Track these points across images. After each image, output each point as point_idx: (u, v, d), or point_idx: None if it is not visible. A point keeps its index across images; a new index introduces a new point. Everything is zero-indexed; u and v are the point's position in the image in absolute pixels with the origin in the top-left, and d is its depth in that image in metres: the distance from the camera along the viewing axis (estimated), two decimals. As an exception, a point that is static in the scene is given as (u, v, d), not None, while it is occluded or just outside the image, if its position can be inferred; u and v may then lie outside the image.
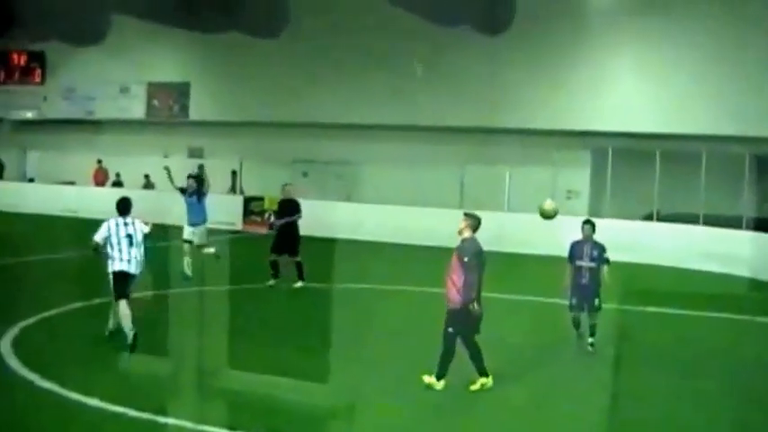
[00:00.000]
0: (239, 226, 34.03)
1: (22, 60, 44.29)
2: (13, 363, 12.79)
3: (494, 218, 29.75)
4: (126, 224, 14.17)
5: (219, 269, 21.26)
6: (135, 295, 14.19)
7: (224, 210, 34.42)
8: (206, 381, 12.35)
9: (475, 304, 12.17)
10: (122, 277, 14.02)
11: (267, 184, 34.28)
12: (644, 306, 19.49)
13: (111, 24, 36.36)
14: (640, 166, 29.83)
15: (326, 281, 20.99)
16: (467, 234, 12.59)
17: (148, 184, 38.21)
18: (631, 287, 21.01)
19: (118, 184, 39.28)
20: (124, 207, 14.43)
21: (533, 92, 31.43)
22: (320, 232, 31.08)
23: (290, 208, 21.02)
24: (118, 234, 14.04)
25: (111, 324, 14.31)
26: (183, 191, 21.61)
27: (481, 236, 12.57)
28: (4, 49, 43.59)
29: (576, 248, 15.01)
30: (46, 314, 16.16)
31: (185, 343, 14.17)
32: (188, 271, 20.85)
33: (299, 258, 20.57)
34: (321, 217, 32.14)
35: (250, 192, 35.24)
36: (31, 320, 15.58)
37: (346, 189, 34.76)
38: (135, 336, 13.55)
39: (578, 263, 14.84)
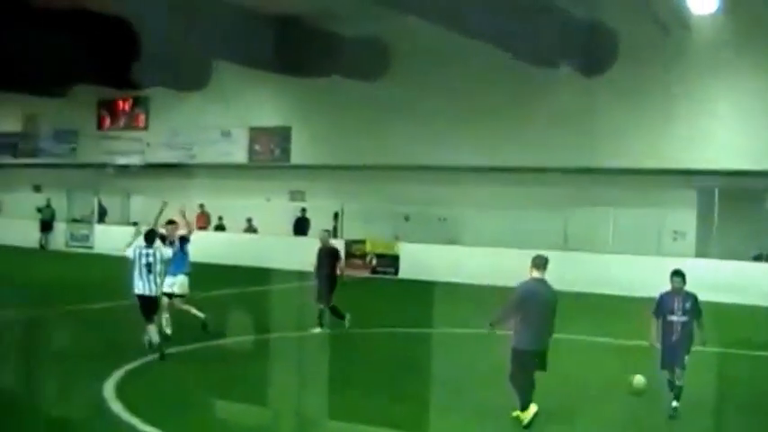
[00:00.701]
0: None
1: (127, 106, 45.22)
2: (116, 406, 12.80)
3: (597, 260, 29.53)
4: (147, 254, 16.57)
5: (294, 313, 21.05)
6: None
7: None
8: (304, 429, 12.18)
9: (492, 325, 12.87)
10: (144, 300, 16.48)
11: (369, 228, 34.29)
12: (752, 350, 18.88)
13: (212, 70, 36.82)
14: (748, 205, 29.21)
15: (427, 325, 20.73)
16: (535, 274, 12.74)
17: (251, 228, 38.45)
18: (739, 330, 20.44)
19: (220, 227, 39.58)
20: (150, 238, 16.93)
21: (636, 131, 30.99)
22: (422, 275, 31.07)
23: (328, 255, 20.66)
24: (140, 261, 16.50)
25: (148, 337, 16.56)
26: (162, 238, 18.61)
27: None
28: (109, 95, 44.51)
29: (665, 301, 13.57)
30: (149, 358, 16.22)
31: (284, 390, 13.99)
32: (167, 329, 18.17)
33: (331, 304, 20.13)
34: (423, 260, 32.10)
35: (351, 235, 35.15)
36: (135, 364, 15.66)
37: (448, 232, 34.50)
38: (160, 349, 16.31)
39: (670, 318, 13.41)
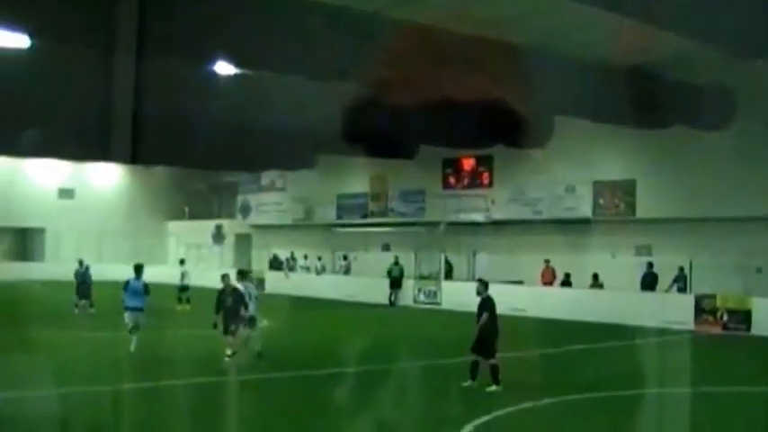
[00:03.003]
0: (691, 326, 32.69)
1: (471, 165, 46.12)
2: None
3: None
4: (247, 287, 22.39)
5: (649, 370, 20.32)
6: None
7: (674, 309, 33.43)
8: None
9: None
10: (251, 319, 22.07)
11: (719, 282, 32.99)
12: None
13: (555, 126, 36.91)
14: None
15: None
16: None
17: (597, 284, 37.93)
18: None
19: (566, 283, 39.26)
20: (244, 275, 22.97)
21: None
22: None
23: (484, 306, 19.55)
24: (248, 293, 22.06)
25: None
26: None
27: None
28: (453, 155, 45.64)
29: None
30: (499, 412, 16.29)
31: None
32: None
33: (493, 361, 18.99)
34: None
35: (701, 289, 33.90)
36: (483, 418, 15.71)
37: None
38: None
39: None
